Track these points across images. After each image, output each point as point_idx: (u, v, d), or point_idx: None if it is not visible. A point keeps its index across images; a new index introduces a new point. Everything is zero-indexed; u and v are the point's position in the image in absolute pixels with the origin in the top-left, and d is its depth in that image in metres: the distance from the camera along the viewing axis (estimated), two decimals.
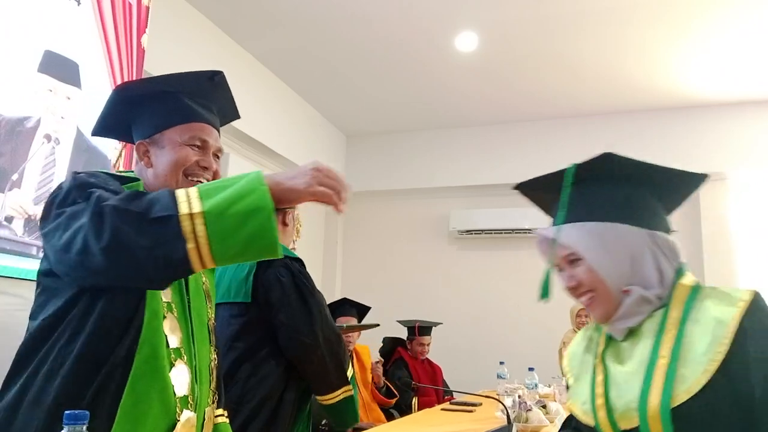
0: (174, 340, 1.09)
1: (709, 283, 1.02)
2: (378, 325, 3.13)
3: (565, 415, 1.17)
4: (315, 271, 5.33)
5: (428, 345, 4.23)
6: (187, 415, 1.08)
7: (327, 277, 5.60)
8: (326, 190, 0.95)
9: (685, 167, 1.09)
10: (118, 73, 2.58)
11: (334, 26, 3.79)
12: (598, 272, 1.03)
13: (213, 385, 1.23)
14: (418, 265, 5.54)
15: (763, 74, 4.26)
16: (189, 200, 0.91)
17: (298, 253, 2.06)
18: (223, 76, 1.24)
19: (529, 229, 5.01)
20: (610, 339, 1.08)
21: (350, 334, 3.30)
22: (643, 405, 0.93)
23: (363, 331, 3.44)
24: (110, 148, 2.55)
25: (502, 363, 3.16)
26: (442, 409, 2.96)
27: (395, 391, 3.74)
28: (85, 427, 0.75)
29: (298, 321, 1.87)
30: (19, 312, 2.03)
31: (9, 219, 2.10)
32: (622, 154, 1.03)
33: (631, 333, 1.03)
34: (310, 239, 5.27)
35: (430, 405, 3.47)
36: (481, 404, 2.93)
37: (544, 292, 1.08)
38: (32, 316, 1.06)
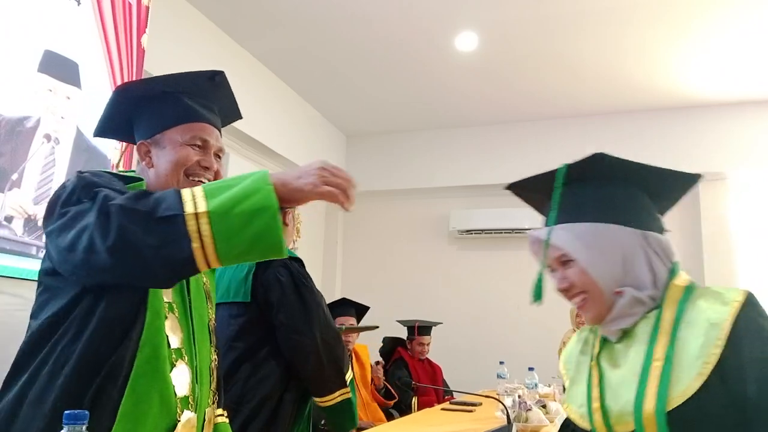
0: (175, 341, 1.09)
1: (709, 283, 1.02)
2: (377, 327, 3.14)
3: (565, 414, 1.17)
4: (315, 271, 5.32)
5: (428, 345, 4.23)
6: (187, 416, 1.08)
7: (327, 277, 5.60)
8: (332, 190, 0.95)
9: (685, 167, 1.08)
10: (118, 73, 2.58)
11: (334, 26, 3.79)
12: (590, 273, 1.02)
13: (213, 385, 1.23)
14: (418, 265, 5.54)
15: (763, 74, 4.26)
16: (194, 199, 0.91)
17: (298, 253, 2.06)
18: (224, 75, 1.24)
19: (529, 229, 5.01)
20: (605, 341, 1.07)
21: (349, 336, 3.30)
22: (639, 409, 0.93)
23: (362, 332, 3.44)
24: (110, 148, 2.55)
25: (502, 363, 3.16)
26: (442, 409, 2.96)
27: (394, 393, 3.74)
28: (84, 427, 0.75)
29: (296, 321, 1.87)
30: (19, 312, 2.03)
31: (9, 219, 2.10)
32: (614, 154, 1.03)
33: (626, 335, 1.03)
34: (310, 239, 5.27)
35: (430, 405, 3.47)
36: (481, 404, 2.93)
37: (537, 295, 1.07)
38: (33, 316, 1.06)
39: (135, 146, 1.22)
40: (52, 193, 2.31)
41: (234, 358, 1.88)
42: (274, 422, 1.86)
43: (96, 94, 2.47)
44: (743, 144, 4.69)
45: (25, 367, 1.01)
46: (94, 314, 1.00)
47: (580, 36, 3.82)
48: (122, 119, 1.23)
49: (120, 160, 2.56)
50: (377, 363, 3.87)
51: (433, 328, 4.31)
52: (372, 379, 3.71)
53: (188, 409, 1.09)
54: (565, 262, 1.05)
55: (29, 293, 1.98)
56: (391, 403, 3.68)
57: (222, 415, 1.35)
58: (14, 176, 2.12)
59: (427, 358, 4.28)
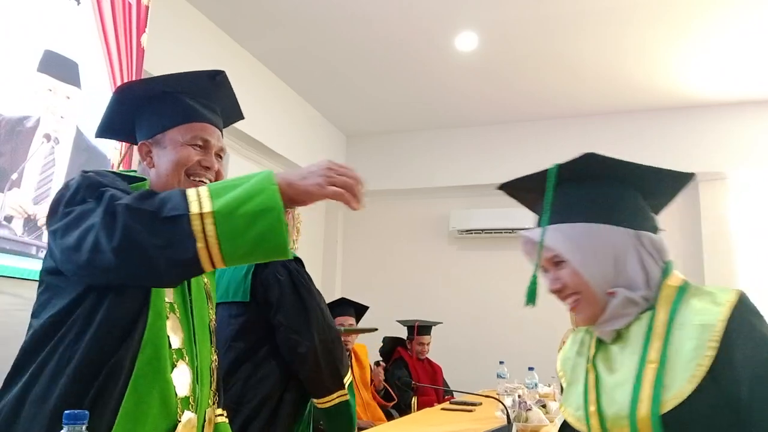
0: (176, 341, 1.09)
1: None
2: (376, 329, 3.13)
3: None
4: (315, 271, 5.33)
5: (428, 344, 4.23)
6: (188, 417, 1.08)
7: (327, 277, 5.60)
8: (338, 190, 0.95)
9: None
10: (117, 72, 2.58)
11: (334, 26, 3.79)
12: (582, 274, 1.02)
13: (214, 385, 1.23)
14: (418, 265, 5.54)
15: (763, 74, 4.26)
16: (200, 199, 0.91)
17: (298, 253, 2.06)
18: (225, 75, 1.24)
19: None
20: (600, 342, 1.07)
21: (348, 336, 3.30)
22: (633, 413, 0.92)
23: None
24: (110, 148, 2.55)
25: (502, 363, 3.16)
26: (442, 409, 2.96)
27: (394, 395, 3.74)
28: (84, 427, 0.75)
29: (294, 321, 1.87)
30: (19, 312, 2.03)
31: (8, 218, 2.10)
32: (611, 153, 1.02)
33: (620, 336, 1.02)
34: (310, 239, 5.27)
35: (430, 404, 3.47)
36: (481, 404, 2.93)
37: (530, 297, 1.07)
38: (35, 315, 1.05)
39: (136, 146, 1.22)
40: (51, 192, 2.32)
41: (234, 357, 1.87)
42: (274, 422, 1.85)
43: (96, 94, 2.47)
44: (743, 144, 4.69)
45: (26, 366, 1.00)
46: (97, 313, 1.00)
47: (580, 36, 3.82)
48: (123, 120, 1.23)
49: (120, 161, 2.56)
50: (378, 364, 3.86)
51: (433, 328, 4.31)
52: (372, 381, 3.71)
53: (189, 409, 1.09)
54: (557, 262, 1.05)
55: (29, 293, 1.98)
56: (390, 404, 3.68)
57: (222, 415, 1.35)
58: (14, 176, 2.12)
59: (427, 358, 4.28)
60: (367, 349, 3.75)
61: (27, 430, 0.96)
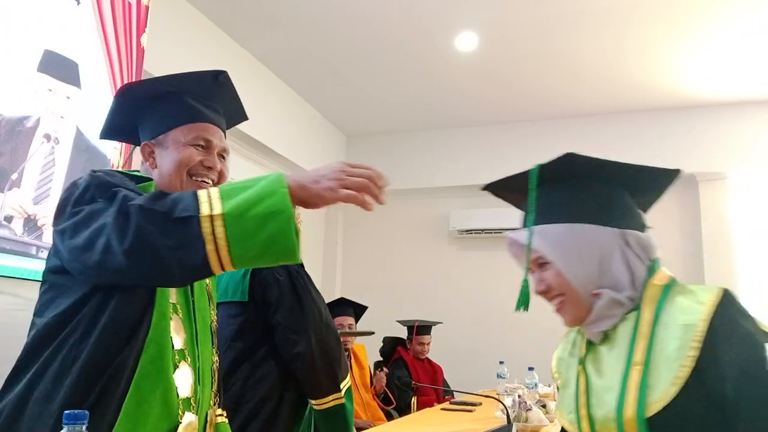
0: (178, 342, 1.09)
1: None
2: (372, 333, 3.13)
3: None
4: (315, 271, 5.33)
5: (428, 344, 4.23)
6: (189, 418, 1.08)
7: (327, 277, 5.60)
8: (351, 193, 0.94)
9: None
10: (117, 72, 2.58)
11: (334, 26, 3.79)
12: (566, 276, 1.01)
13: (215, 386, 1.23)
14: (418, 265, 5.54)
15: (763, 74, 4.26)
16: (210, 201, 0.91)
17: None
18: (228, 75, 1.23)
19: None
20: (590, 343, 1.06)
21: (347, 337, 3.29)
22: (620, 416, 0.92)
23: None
24: (110, 148, 2.55)
25: (502, 363, 3.16)
26: (442, 409, 2.96)
27: (393, 399, 3.73)
28: (84, 427, 0.75)
29: (292, 321, 1.86)
30: (19, 312, 2.03)
31: (8, 219, 2.10)
32: (584, 153, 1.01)
33: (607, 336, 1.02)
34: (310, 239, 5.27)
35: (430, 405, 3.47)
36: (481, 404, 2.93)
37: (522, 302, 1.06)
38: (38, 313, 1.05)
39: (139, 147, 1.22)
40: (52, 193, 2.32)
41: (233, 357, 1.87)
42: (273, 422, 1.85)
43: (96, 94, 2.47)
44: (743, 144, 4.69)
45: (29, 365, 1.00)
46: (103, 313, 1.00)
47: (580, 36, 3.82)
48: (126, 121, 1.22)
49: (124, 163, 2.56)
50: (381, 369, 3.85)
51: (433, 328, 4.31)
52: (373, 384, 3.71)
53: (190, 410, 1.09)
54: (541, 264, 1.04)
55: (29, 293, 1.98)
56: (389, 408, 3.68)
57: (222, 415, 1.35)
58: (14, 176, 2.12)
59: (427, 358, 4.28)
60: (366, 349, 3.75)
61: (31, 429, 0.95)
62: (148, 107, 1.19)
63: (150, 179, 1.13)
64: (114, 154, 2.57)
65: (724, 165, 4.72)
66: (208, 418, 1.18)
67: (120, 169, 2.49)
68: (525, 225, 1.08)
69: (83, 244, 0.94)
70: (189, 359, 1.11)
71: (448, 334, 4.69)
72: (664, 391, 0.88)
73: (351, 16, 3.66)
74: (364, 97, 4.93)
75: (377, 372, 3.79)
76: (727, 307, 0.90)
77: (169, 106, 1.18)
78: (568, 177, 1.05)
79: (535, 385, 3.04)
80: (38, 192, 2.21)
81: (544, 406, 2.51)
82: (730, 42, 3.83)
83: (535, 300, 1.08)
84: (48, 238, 2.22)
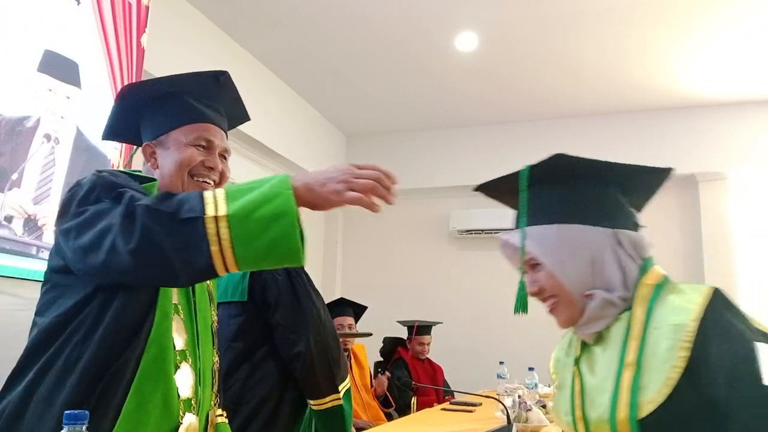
0: (180, 342, 1.09)
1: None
2: (371, 334, 3.13)
3: None
4: (315, 271, 5.33)
5: (428, 344, 4.23)
6: (189, 419, 1.08)
7: (327, 277, 5.60)
8: (357, 195, 0.94)
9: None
10: (117, 72, 2.58)
11: (334, 26, 3.79)
12: (558, 277, 1.00)
13: (215, 387, 1.23)
14: (418, 265, 5.54)
15: (763, 74, 4.26)
16: (216, 202, 0.91)
17: None
18: (229, 76, 1.23)
19: None
20: (584, 344, 1.06)
21: (347, 338, 3.29)
22: (613, 418, 0.91)
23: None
24: (110, 148, 2.55)
25: (502, 363, 3.16)
26: (442, 409, 2.96)
27: (392, 402, 3.73)
28: (84, 427, 0.75)
29: (290, 321, 1.86)
30: (19, 312, 2.03)
31: (9, 219, 2.10)
32: (584, 153, 1.01)
33: (601, 337, 1.01)
34: (310, 239, 5.25)
35: (430, 405, 3.47)
36: (481, 404, 2.93)
37: (520, 304, 1.05)
38: (40, 313, 1.05)
39: (141, 148, 1.22)
40: (52, 193, 2.31)
41: (232, 357, 1.87)
42: (273, 422, 1.85)
43: (96, 94, 2.47)
44: (743, 144, 4.69)
45: (31, 364, 1.00)
46: (106, 313, 1.00)
47: (580, 36, 3.82)
48: (128, 121, 1.22)
49: (126, 165, 2.56)
50: (383, 372, 3.85)
51: (433, 328, 4.31)
52: (374, 386, 3.71)
53: (190, 411, 1.09)
54: (533, 265, 1.04)
55: (29, 293, 1.98)
56: (388, 410, 3.68)
57: (221, 415, 1.35)
58: (14, 176, 2.12)
59: (427, 358, 4.27)
60: (366, 350, 3.75)
61: (33, 429, 0.95)
62: (150, 108, 1.19)
63: (153, 179, 1.13)
64: (114, 154, 2.57)
65: (724, 165, 4.72)
66: (209, 419, 1.18)
67: (122, 169, 2.49)
68: (517, 226, 1.07)
69: (89, 244, 0.94)
70: (190, 360, 1.11)
71: (448, 334, 4.69)
72: (656, 392, 0.87)
73: (351, 16, 3.66)
74: (364, 97, 4.93)
75: (379, 375, 3.78)
76: (718, 307, 0.89)
77: (171, 106, 1.18)
78: (558, 177, 1.04)
79: (536, 385, 3.03)
80: (38, 192, 2.21)
81: (544, 407, 2.51)
82: (730, 42, 3.83)
83: (535, 300, 1.08)
84: (48, 238, 2.21)
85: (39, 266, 2.12)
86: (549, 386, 3.42)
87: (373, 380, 3.79)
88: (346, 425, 1.91)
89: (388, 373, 3.82)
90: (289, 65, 4.36)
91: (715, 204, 4.76)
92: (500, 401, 2.37)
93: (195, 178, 1.15)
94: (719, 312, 0.89)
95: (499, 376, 3.04)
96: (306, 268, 2.00)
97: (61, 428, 0.83)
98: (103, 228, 0.93)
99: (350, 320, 3.49)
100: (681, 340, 0.87)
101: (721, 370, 0.84)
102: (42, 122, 2.23)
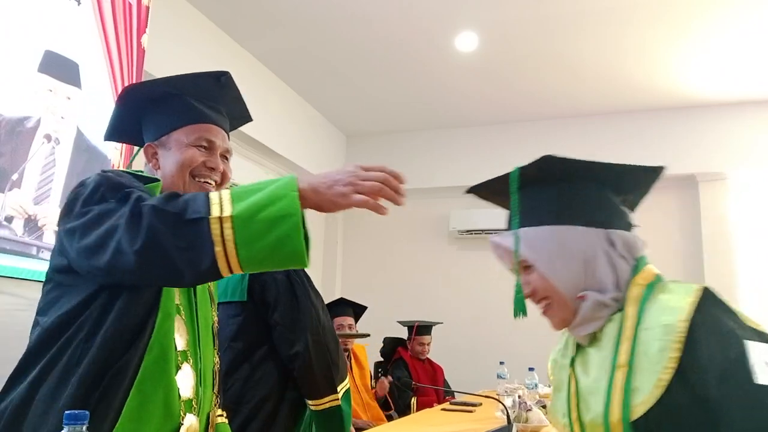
0: (181, 343, 1.09)
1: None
2: (368, 335, 3.13)
3: None
4: (315, 271, 5.33)
5: (428, 345, 4.23)
6: (190, 420, 1.08)
7: (327, 277, 5.60)
8: (364, 198, 0.94)
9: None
10: (118, 73, 2.58)
11: (334, 26, 3.79)
12: (550, 279, 1.00)
13: (216, 388, 1.23)
14: (418, 265, 5.54)
15: (763, 74, 4.26)
16: (221, 203, 0.91)
17: None
18: (230, 76, 1.23)
19: None
20: (579, 345, 1.05)
21: (347, 339, 3.29)
22: (606, 420, 0.91)
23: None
24: (110, 149, 2.55)
25: (502, 363, 3.16)
26: (442, 409, 2.96)
27: (392, 405, 3.73)
28: (85, 428, 0.75)
29: (288, 321, 1.86)
30: (20, 312, 2.03)
31: (9, 219, 2.10)
32: (561, 154, 1.00)
33: (595, 338, 1.00)
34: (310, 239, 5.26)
35: (430, 405, 3.47)
36: (481, 404, 2.93)
37: (518, 307, 1.04)
38: (41, 312, 1.05)
39: (142, 148, 1.22)
40: (52, 193, 2.31)
41: (232, 357, 1.87)
42: (273, 422, 1.85)
43: (96, 94, 2.47)
44: (743, 144, 4.69)
45: (33, 364, 1.00)
46: (109, 313, 1.00)
47: (580, 36, 3.82)
48: (130, 122, 1.23)
49: (120, 161, 2.56)
50: (385, 375, 3.85)
51: (434, 328, 4.31)
52: (374, 387, 3.71)
53: (191, 412, 1.09)
54: (525, 267, 1.03)
55: (29, 293, 1.98)
56: (388, 412, 3.68)
57: (221, 415, 1.35)
58: (14, 176, 2.12)
59: (428, 359, 4.27)
60: (366, 350, 3.75)
61: (35, 428, 0.95)
62: (151, 108, 1.19)
63: (157, 180, 1.13)
64: (114, 154, 2.57)
65: (724, 165, 4.72)
66: (209, 420, 1.18)
67: (124, 169, 2.49)
68: (509, 228, 1.07)
69: (94, 244, 0.94)
70: (191, 360, 1.11)
71: (448, 334, 4.69)
72: (647, 393, 0.87)
73: (351, 16, 3.66)
74: (364, 97, 4.93)
75: (381, 378, 3.78)
76: (708, 306, 0.89)
77: (172, 107, 1.18)
78: (548, 179, 1.03)
79: (536, 385, 3.03)
80: (39, 192, 2.21)
81: (544, 407, 2.50)
82: (730, 42, 3.83)
83: (526, 309, 1.07)
84: (48, 238, 2.22)
85: (39, 266, 2.12)
86: (549, 386, 3.42)
87: (373, 380, 3.79)
88: (345, 426, 1.91)
89: (390, 377, 3.82)
90: (289, 65, 4.36)
91: (715, 204, 4.76)
92: (500, 401, 2.37)
93: (196, 179, 1.16)
94: (709, 311, 0.88)
95: (499, 376, 3.04)
96: (306, 269, 2.00)
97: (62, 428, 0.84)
98: (109, 228, 0.93)
99: (350, 320, 3.49)
100: (671, 340, 0.87)
101: (712, 370, 0.84)
102: (42, 122, 2.23)
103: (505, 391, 2.62)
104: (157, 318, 1.03)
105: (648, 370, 0.88)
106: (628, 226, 1.04)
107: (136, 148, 1.35)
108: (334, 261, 5.69)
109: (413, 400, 3.65)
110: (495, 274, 5.19)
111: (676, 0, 3.42)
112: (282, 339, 1.87)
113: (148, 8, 2.79)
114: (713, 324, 0.87)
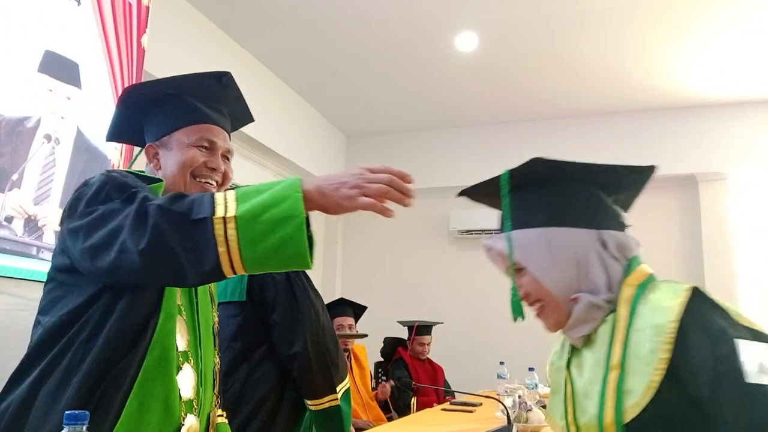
0: (182, 343, 1.09)
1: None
2: (366, 335, 3.13)
3: None
4: (315, 271, 5.32)
5: (428, 345, 4.23)
6: (191, 420, 1.08)
7: (327, 277, 5.60)
8: (370, 201, 0.93)
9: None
10: (118, 73, 2.58)
11: (334, 26, 3.79)
12: (542, 281, 0.99)
13: (216, 388, 1.23)
14: (418, 265, 5.54)
15: (763, 74, 4.26)
16: (225, 203, 0.91)
17: None
18: (231, 77, 1.23)
19: None
20: (574, 347, 1.05)
21: (347, 339, 3.29)
22: (601, 422, 0.91)
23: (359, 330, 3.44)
24: (110, 149, 2.55)
25: (502, 363, 3.16)
26: (442, 410, 2.96)
27: (391, 408, 3.73)
28: (85, 428, 0.75)
29: (287, 321, 1.86)
30: (20, 312, 2.03)
31: (9, 219, 2.10)
32: (551, 156, 1.00)
33: (590, 339, 1.00)
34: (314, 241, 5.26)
35: (430, 405, 3.47)
36: (481, 404, 2.93)
37: (516, 310, 1.04)
38: (43, 312, 1.05)
39: (144, 149, 1.22)
40: (52, 193, 2.31)
41: (232, 357, 1.87)
42: (273, 422, 1.85)
43: (96, 95, 2.47)
44: (743, 144, 4.69)
45: (34, 364, 1.00)
46: (111, 313, 1.00)
47: (580, 36, 3.82)
48: (131, 122, 1.22)
49: (121, 161, 2.56)
50: (387, 379, 3.84)
51: (434, 328, 4.31)
52: (375, 389, 3.71)
53: (192, 412, 1.09)
54: (518, 269, 1.03)
55: (29, 293, 1.98)
56: (387, 414, 3.68)
57: (221, 415, 1.35)
58: (14, 176, 2.12)
59: (428, 359, 4.27)
60: (366, 350, 3.75)
61: (37, 428, 0.95)
62: (152, 109, 1.19)
63: (160, 180, 1.13)
64: (114, 154, 2.57)
65: (724, 165, 4.72)
66: (210, 420, 1.18)
67: (125, 169, 2.49)
68: (501, 230, 1.06)
69: (99, 244, 0.94)
70: (192, 361, 1.11)
71: (448, 334, 4.69)
72: (640, 395, 0.87)
73: (351, 16, 3.66)
74: (364, 97, 4.93)
75: (383, 382, 3.78)
76: (697, 305, 0.88)
77: (173, 107, 1.18)
78: (539, 181, 1.03)
79: (536, 385, 3.03)
80: (39, 192, 2.21)
81: (544, 407, 2.50)
82: (730, 42, 3.83)
83: (524, 312, 1.07)
84: (48, 238, 2.22)
85: (39, 266, 2.12)
86: (548, 387, 3.42)
87: (373, 381, 3.79)
88: (345, 426, 1.91)
89: (392, 382, 3.81)
90: (289, 65, 4.36)
91: (715, 204, 4.76)
92: (500, 401, 2.37)
93: (197, 179, 1.15)
94: (699, 310, 0.88)
95: (499, 377, 3.04)
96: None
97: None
98: (114, 228, 0.93)
99: (350, 320, 3.49)
100: (661, 341, 0.86)
101: (704, 370, 0.83)
102: (42, 123, 2.23)
103: (506, 391, 2.62)
104: (159, 318, 1.03)
105: (639, 372, 0.88)
106: (620, 226, 1.03)
107: (137, 148, 1.35)
108: (334, 261, 5.69)
109: (413, 400, 3.65)
110: (495, 274, 5.19)
111: (676, 0, 3.42)
112: (281, 339, 1.87)
113: (148, 8, 2.79)
114: (703, 323, 0.86)
